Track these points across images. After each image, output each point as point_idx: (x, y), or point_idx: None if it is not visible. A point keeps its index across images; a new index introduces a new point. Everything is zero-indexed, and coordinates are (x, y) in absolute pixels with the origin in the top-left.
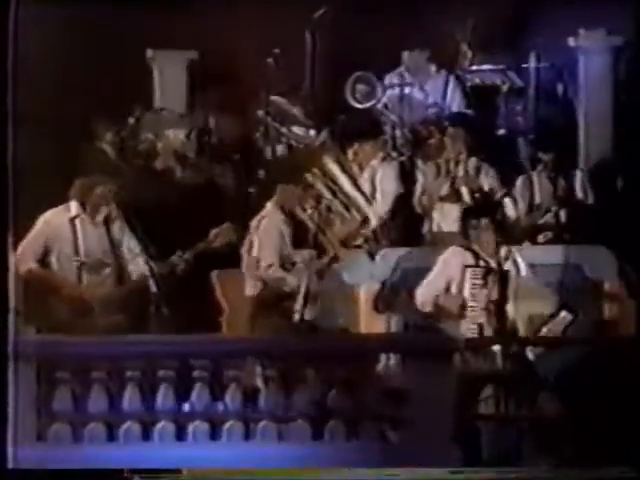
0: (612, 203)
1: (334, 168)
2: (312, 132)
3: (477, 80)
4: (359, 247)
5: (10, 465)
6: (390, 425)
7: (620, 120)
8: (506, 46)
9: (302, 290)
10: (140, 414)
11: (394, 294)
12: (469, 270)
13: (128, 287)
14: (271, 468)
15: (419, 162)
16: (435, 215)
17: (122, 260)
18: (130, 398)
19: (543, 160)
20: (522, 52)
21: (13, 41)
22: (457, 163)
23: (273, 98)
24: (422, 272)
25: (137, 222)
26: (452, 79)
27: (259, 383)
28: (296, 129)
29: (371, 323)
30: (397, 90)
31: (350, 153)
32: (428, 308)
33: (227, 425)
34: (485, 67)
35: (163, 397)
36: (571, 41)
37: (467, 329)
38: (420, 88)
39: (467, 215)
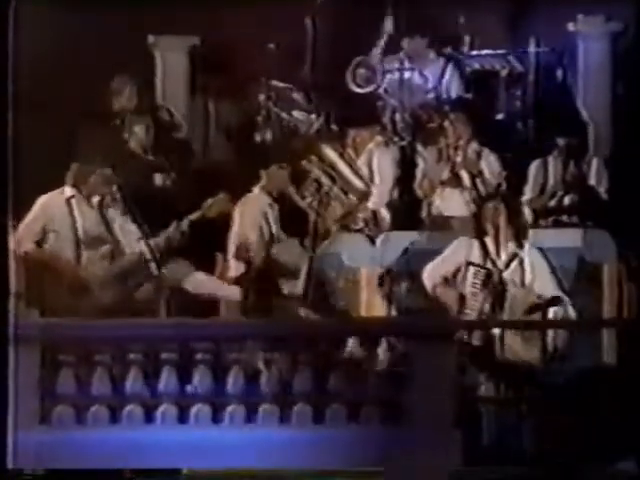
0: (611, 188)
1: (332, 153)
2: (313, 117)
3: (477, 65)
4: (359, 231)
5: (12, 448)
6: (391, 408)
7: (619, 105)
8: (506, 31)
9: (303, 275)
10: (143, 397)
11: (397, 278)
12: (472, 268)
13: (124, 264)
14: (272, 468)
15: (419, 146)
16: (435, 199)
17: (119, 242)
18: (133, 381)
19: (558, 145)
20: (522, 37)
21: (14, 25)
22: (457, 148)
23: (274, 83)
24: (427, 255)
25: (134, 205)
26: (452, 64)
27: (261, 366)
28: (297, 114)
29: (372, 306)
30: (397, 75)
31: (349, 138)
32: (429, 291)
33: (229, 408)
34: (485, 52)
35: (166, 380)
36: (570, 26)
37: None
38: (420, 73)
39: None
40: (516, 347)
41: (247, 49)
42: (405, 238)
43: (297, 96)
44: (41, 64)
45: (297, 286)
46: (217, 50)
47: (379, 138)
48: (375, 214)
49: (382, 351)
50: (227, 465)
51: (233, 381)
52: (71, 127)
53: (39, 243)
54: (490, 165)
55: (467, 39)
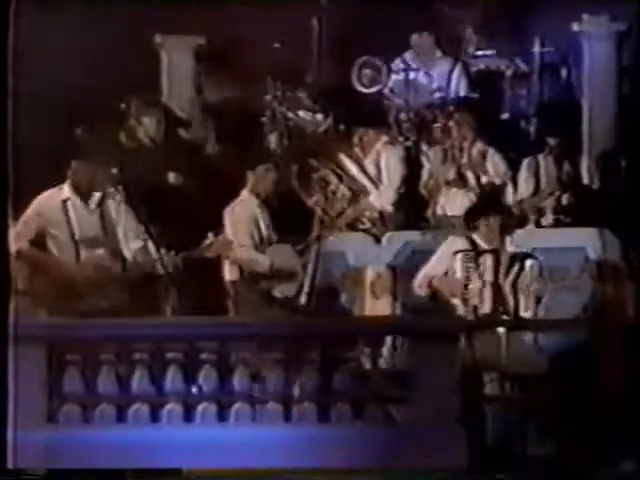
0: (615, 187)
1: (340, 153)
2: (319, 117)
3: (482, 65)
4: (365, 230)
5: (19, 445)
6: (395, 407)
7: (623, 104)
8: (511, 31)
9: (309, 274)
10: (149, 396)
11: (395, 278)
12: (459, 255)
13: (123, 271)
14: (272, 468)
15: (424, 146)
16: (441, 199)
17: (117, 243)
18: (139, 380)
19: (550, 144)
20: (527, 37)
21: (15, 21)
22: (462, 148)
23: (280, 83)
24: (432, 254)
25: (139, 203)
26: (457, 64)
27: (266, 365)
28: (303, 114)
29: (376, 305)
30: (402, 75)
31: (355, 138)
32: (424, 292)
33: (234, 407)
34: (490, 52)
35: (171, 379)
36: (575, 26)
37: (463, 311)
38: (425, 73)
39: (473, 213)
40: None
41: (253, 49)
42: (410, 238)
43: (303, 96)
44: (42, 63)
45: (291, 288)
46: (223, 50)
47: (386, 138)
48: (381, 213)
49: (386, 350)
50: (232, 464)
51: (238, 380)
52: (72, 125)
53: (33, 242)
54: (495, 165)
55: (473, 39)
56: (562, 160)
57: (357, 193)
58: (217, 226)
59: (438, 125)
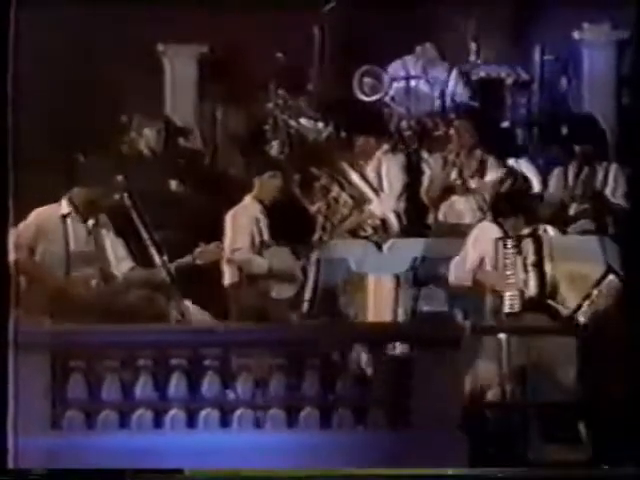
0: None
1: (341, 161)
2: (320, 125)
3: (483, 73)
4: (367, 237)
5: (23, 451)
6: (397, 413)
7: (623, 113)
8: (511, 39)
9: (310, 281)
10: (152, 402)
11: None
12: (500, 242)
13: (111, 289)
14: (273, 468)
15: (425, 154)
16: (442, 206)
17: (108, 263)
18: (143, 386)
19: (577, 153)
20: (527, 45)
21: (15, 31)
22: (461, 155)
23: (282, 91)
24: (434, 262)
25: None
26: (458, 72)
27: (269, 371)
28: (304, 121)
29: (379, 312)
30: (403, 83)
31: (357, 145)
32: (467, 283)
33: (237, 413)
34: (491, 60)
35: (175, 385)
36: (576, 34)
37: (508, 298)
38: (426, 81)
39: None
40: None
41: (255, 57)
42: (412, 245)
43: (305, 104)
44: (42, 72)
45: (289, 290)
46: (225, 58)
47: (387, 146)
48: (383, 221)
49: (388, 356)
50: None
51: (241, 386)
52: (72, 136)
53: (30, 252)
54: (495, 173)
55: (473, 47)
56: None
57: (359, 200)
58: (219, 233)
59: (439, 133)
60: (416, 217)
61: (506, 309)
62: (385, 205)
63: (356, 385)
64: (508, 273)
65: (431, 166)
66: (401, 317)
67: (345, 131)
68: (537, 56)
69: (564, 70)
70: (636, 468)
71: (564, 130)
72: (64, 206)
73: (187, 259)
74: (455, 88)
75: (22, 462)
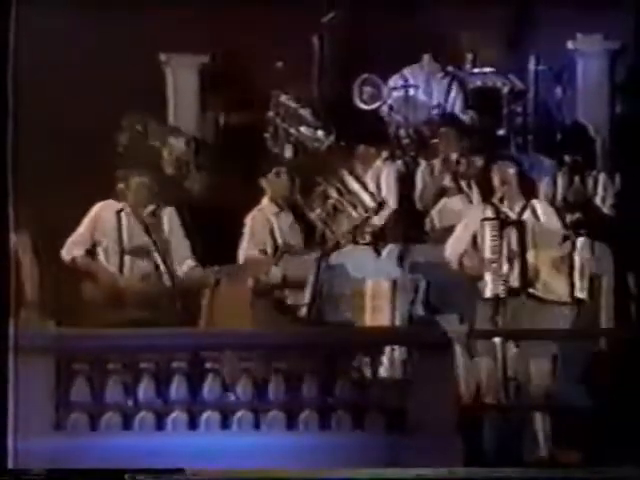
0: (610, 203)
1: (341, 168)
2: (320, 133)
3: (478, 82)
4: (366, 244)
5: (27, 452)
6: (394, 416)
7: (617, 122)
8: (507, 49)
9: (310, 286)
10: (154, 404)
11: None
12: (487, 223)
13: (164, 285)
14: (273, 469)
15: (422, 161)
16: (434, 212)
17: (168, 257)
18: (145, 389)
19: (566, 162)
20: (522, 55)
21: (15, 37)
22: (449, 161)
23: (282, 100)
24: (432, 266)
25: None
26: (455, 81)
27: (269, 375)
28: (304, 130)
29: (376, 316)
30: (402, 92)
31: (356, 153)
32: (455, 265)
33: (238, 415)
34: (486, 70)
35: (176, 388)
36: (569, 44)
37: (492, 281)
38: (424, 90)
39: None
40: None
41: (256, 67)
42: (410, 250)
43: (305, 112)
44: (43, 81)
45: (304, 297)
46: (227, 68)
47: (385, 153)
48: (382, 227)
49: (386, 360)
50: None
51: (242, 389)
52: (73, 127)
53: (89, 251)
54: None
55: (469, 57)
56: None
57: (358, 208)
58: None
59: (436, 141)
60: (414, 223)
61: (488, 293)
62: (384, 212)
63: (355, 388)
64: (492, 256)
65: (427, 173)
66: (399, 321)
67: (345, 139)
68: (532, 66)
69: (558, 79)
70: (636, 469)
71: (555, 139)
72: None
73: (231, 268)
74: (452, 97)
75: (24, 464)
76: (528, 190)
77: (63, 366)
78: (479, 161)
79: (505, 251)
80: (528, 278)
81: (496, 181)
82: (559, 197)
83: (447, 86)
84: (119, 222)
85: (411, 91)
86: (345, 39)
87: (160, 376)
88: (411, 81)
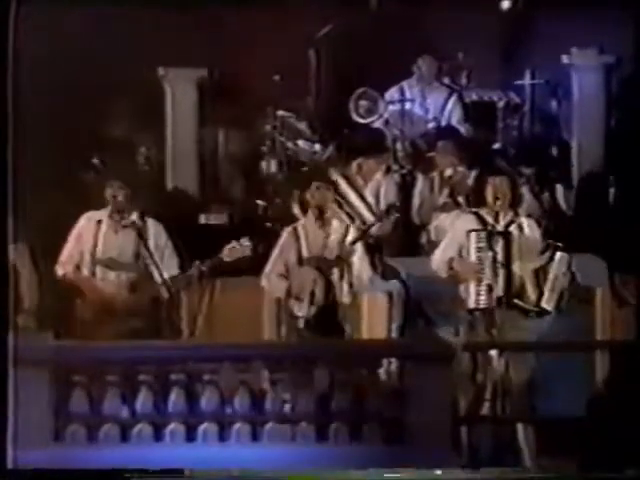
0: (603, 215)
1: (340, 181)
2: (317, 146)
3: (475, 96)
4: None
5: (25, 463)
6: (391, 427)
7: (612, 135)
8: (503, 64)
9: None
10: (152, 416)
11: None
12: (472, 234)
13: (148, 293)
14: (274, 469)
15: (419, 175)
16: (431, 226)
17: (148, 266)
18: (143, 401)
19: (525, 174)
20: (518, 69)
21: (13, 47)
22: (445, 175)
23: (280, 113)
24: (427, 280)
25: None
26: (452, 95)
27: (266, 386)
28: (302, 143)
29: (373, 329)
30: (398, 106)
31: (354, 166)
32: (443, 274)
33: (235, 427)
34: (483, 84)
35: (174, 400)
36: (565, 59)
37: (477, 291)
38: (420, 104)
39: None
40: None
41: (253, 81)
42: (406, 264)
43: (302, 126)
44: (42, 68)
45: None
46: (224, 82)
47: (384, 167)
48: (378, 240)
49: (383, 372)
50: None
51: (239, 401)
52: (74, 127)
53: (77, 265)
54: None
55: (465, 72)
56: (541, 189)
57: (356, 220)
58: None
59: (432, 154)
60: (410, 237)
61: (471, 304)
62: (382, 225)
63: (352, 400)
64: (478, 267)
65: (423, 187)
66: (395, 334)
67: (343, 152)
68: (528, 80)
69: (554, 93)
70: (636, 471)
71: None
72: (102, 211)
73: (216, 259)
74: (449, 111)
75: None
76: (517, 203)
77: (61, 378)
78: (474, 174)
79: (489, 262)
80: (513, 289)
81: (489, 194)
82: (542, 211)
83: (444, 100)
84: (97, 232)
85: (407, 105)
86: (342, 53)
87: (158, 388)
88: (408, 95)
